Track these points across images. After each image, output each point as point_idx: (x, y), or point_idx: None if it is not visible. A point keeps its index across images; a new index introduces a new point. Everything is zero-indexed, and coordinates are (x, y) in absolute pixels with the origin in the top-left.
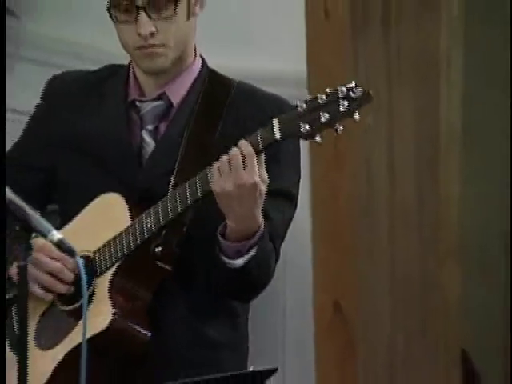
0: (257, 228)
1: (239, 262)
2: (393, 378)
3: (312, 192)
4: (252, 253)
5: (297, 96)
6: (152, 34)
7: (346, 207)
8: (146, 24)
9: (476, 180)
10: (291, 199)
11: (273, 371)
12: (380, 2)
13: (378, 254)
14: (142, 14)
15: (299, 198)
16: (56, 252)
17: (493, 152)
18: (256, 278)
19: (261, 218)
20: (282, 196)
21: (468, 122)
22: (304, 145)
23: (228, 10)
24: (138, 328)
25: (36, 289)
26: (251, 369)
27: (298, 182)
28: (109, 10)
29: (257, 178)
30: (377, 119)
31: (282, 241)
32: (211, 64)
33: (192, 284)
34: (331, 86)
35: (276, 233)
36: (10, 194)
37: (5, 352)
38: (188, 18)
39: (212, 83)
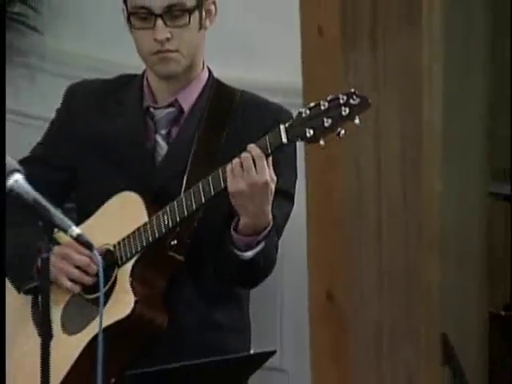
0: (266, 224)
1: (248, 254)
2: (380, 358)
3: (307, 191)
4: (260, 246)
5: (293, 104)
6: (167, 40)
7: (338, 204)
8: (162, 30)
9: (455, 179)
10: (289, 197)
11: (271, 353)
12: (368, 20)
13: (367, 247)
14: (159, 22)
15: (296, 196)
16: (83, 248)
17: (471, 152)
18: (261, 269)
19: (270, 215)
20: (281, 195)
21: (448, 126)
22: (300, 148)
23: (230, 26)
24: (157, 314)
25: (65, 281)
26: (252, 351)
27: (295, 181)
28: (128, 17)
29: (267, 178)
30: (365, 124)
31: (280, 235)
32: (216, 75)
33: (201, 273)
34: (324, 95)
35: (276, 228)
36: (34, 193)
37: (5, 351)
38: (199, 29)
39: (218, 92)
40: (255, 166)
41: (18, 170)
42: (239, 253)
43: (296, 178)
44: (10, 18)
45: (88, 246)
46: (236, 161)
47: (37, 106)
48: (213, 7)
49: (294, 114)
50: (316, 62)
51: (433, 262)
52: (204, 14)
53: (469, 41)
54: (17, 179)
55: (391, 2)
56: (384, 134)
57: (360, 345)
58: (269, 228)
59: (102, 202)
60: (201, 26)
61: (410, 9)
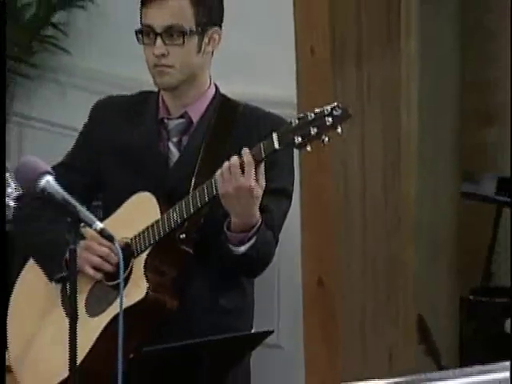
0: (254, 223)
1: (241, 249)
2: (364, 337)
3: (301, 191)
4: (251, 242)
5: (289, 115)
6: (163, 55)
7: (328, 203)
8: (159, 47)
9: (429, 180)
10: (288, 196)
11: (269, 333)
12: (354, 42)
13: (353, 241)
14: (159, 39)
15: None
16: (104, 240)
17: (443, 157)
18: (256, 260)
19: (258, 215)
20: (281, 193)
21: (423, 135)
22: (294, 152)
23: (234, 48)
24: (168, 299)
25: (89, 269)
26: (252, 331)
27: (293, 181)
28: (136, 34)
29: (252, 182)
30: (351, 132)
31: (280, 230)
32: (222, 90)
33: (208, 263)
34: (315, 107)
35: (276, 223)
36: (63, 192)
37: (5, 352)
38: (198, 51)
39: (224, 105)
40: (243, 171)
41: (49, 172)
42: (234, 248)
43: (293, 178)
44: (42, 40)
45: (110, 238)
46: (225, 166)
47: (67, 117)
48: (216, 36)
49: None
50: (308, 79)
51: (410, 253)
52: (207, 40)
53: (441, 62)
54: (48, 180)
55: (374, 27)
56: (368, 141)
57: (347, 325)
58: (257, 226)
59: (123, 201)
60: (200, 49)
61: (390, 34)
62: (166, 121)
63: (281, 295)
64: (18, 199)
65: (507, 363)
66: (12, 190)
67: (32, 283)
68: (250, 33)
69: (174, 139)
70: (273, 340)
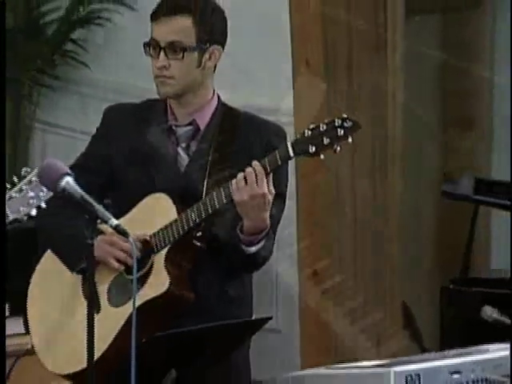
0: (264, 227)
1: (252, 249)
2: (354, 314)
3: (297, 190)
4: (261, 244)
5: (286, 121)
6: (164, 67)
7: (322, 200)
8: (162, 60)
9: (414, 180)
10: (284, 199)
11: (268, 319)
12: (345, 56)
13: (344, 234)
14: (162, 53)
15: (288, 194)
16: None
17: (426, 159)
18: (261, 259)
19: (268, 220)
20: (279, 197)
21: (408, 139)
22: None
23: (237, 60)
24: (186, 291)
25: (113, 262)
26: (253, 317)
27: (287, 185)
28: (144, 46)
29: (265, 190)
30: None
31: (277, 227)
32: (225, 99)
33: (218, 258)
34: (310, 114)
35: (274, 223)
36: (81, 192)
37: (5, 351)
38: (199, 66)
39: (226, 113)
40: (256, 180)
41: (68, 174)
42: (245, 248)
43: (288, 182)
44: (63, 55)
45: (124, 233)
46: (240, 175)
47: (86, 124)
48: (217, 52)
49: (286, 129)
50: (304, 88)
51: (396, 245)
52: (208, 56)
53: (425, 74)
54: (68, 181)
55: (364, 42)
56: (358, 145)
57: (338, 311)
58: (266, 230)
59: (135, 202)
60: (200, 64)
61: (377, 48)
62: (174, 127)
63: (279, 284)
64: (46, 201)
65: (485, 346)
66: (44, 193)
67: (53, 273)
68: (250, 47)
69: (183, 144)
70: (272, 325)
